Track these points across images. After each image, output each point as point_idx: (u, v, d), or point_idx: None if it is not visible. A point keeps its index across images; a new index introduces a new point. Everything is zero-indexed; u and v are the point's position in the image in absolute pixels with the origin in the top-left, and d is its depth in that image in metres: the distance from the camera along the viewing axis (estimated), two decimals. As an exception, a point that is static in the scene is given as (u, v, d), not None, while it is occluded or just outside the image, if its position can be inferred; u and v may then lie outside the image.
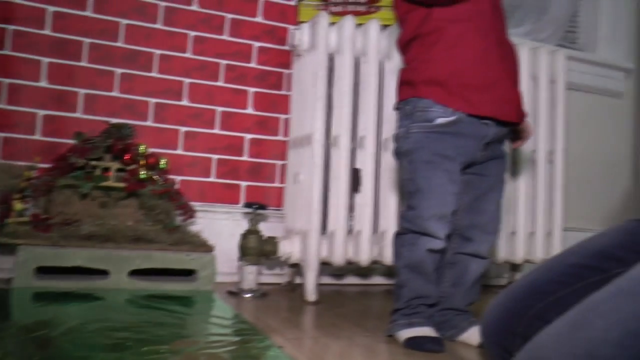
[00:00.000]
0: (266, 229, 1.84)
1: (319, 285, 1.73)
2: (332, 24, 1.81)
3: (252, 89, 2.05)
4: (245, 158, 2.04)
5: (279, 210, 2.03)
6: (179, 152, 1.96)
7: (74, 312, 1.32)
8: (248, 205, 1.81)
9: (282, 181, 2.06)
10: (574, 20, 2.71)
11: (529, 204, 2.02)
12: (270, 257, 1.80)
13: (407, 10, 1.33)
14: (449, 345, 1.26)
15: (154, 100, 1.94)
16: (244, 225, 1.82)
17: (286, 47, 2.07)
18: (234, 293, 1.72)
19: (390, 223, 1.77)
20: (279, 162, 2.07)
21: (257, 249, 1.75)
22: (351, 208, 1.77)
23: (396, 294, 1.29)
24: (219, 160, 2.01)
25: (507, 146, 1.44)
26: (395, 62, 1.79)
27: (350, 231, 1.77)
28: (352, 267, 1.94)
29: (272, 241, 1.78)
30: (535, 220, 2.04)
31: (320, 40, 1.77)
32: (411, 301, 1.26)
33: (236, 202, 2.02)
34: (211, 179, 2.00)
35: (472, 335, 1.27)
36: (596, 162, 2.59)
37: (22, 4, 1.79)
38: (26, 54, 1.79)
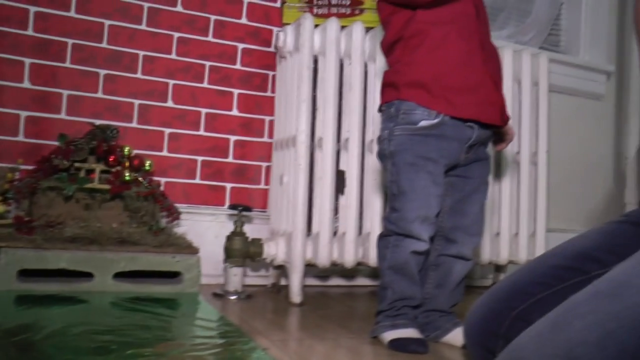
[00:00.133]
0: (251, 230, 1.84)
1: (304, 287, 1.73)
2: (316, 26, 1.82)
3: (236, 91, 2.05)
4: (230, 160, 2.04)
5: (264, 212, 2.03)
6: (164, 153, 1.96)
7: (57, 315, 1.31)
8: (233, 207, 1.81)
9: (267, 183, 2.06)
10: (557, 23, 2.74)
11: (512, 206, 2.04)
12: (255, 259, 1.80)
13: (390, 13, 1.34)
14: (433, 346, 1.27)
15: (138, 101, 1.93)
16: (229, 227, 1.81)
17: (271, 49, 2.08)
18: (219, 295, 1.72)
19: (374, 225, 1.78)
20: (264, 164, 2.07)
21: (242, 250, 1.75)
22: (336, 210, 1.78)
23: (380, 296, 1.30)
24: (204, 161, 2.00)
25: (490, 148, 1.45)
26: (379, 64, 1.80)
27: (335, 233, 1.78)
28: (337, 269, 1.95)
29: (257, 243, 1.78)
30: (519, 222, 2.05)
31: (304, 42, 1.77)
32: (395, 303, 1.26)
33: (221, 203, 2.02)
34: (196, 181, 1.99)
35: (456, 336, 1.28)
36: (578, 163, 2.62)
37: (3, 4, 1.77)
38: (8, 55, 1.78)
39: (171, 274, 1.70)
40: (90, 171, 1.74)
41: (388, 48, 1.36)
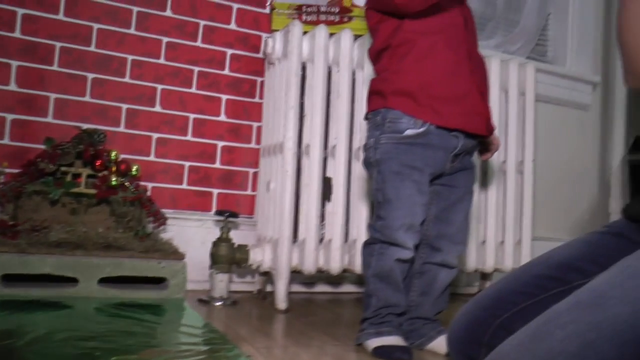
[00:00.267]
0: (238, 236, 1.84)
1: (290, 293, 1.73)
2: (305, 33, 1.83)
3: (225, 96, 2.05)
4: (217, 165, 2.03)
5: (250, 218, 2.03)
6: (151, 158, 1.95)
7: (41, 321, 1.30)
8: (220, 213, 1.81)
9: (254, 189, 2.06)
10: (544, 33, 2.76)
11: (499, 214, 2.05)
12: (241, 265, 1.80)
13: (378, 21, 1.35)
14: (417, 354, 1.28)
15: (126, 106, 1.93)
16: (215, 232, 1.81)
17: (259, 55, 2.08)
18: (205, 301, 1.72)
19: (361, 232, 1.78)
20: (251, 170, 2.07)
21: (228, 257, 1.75)
22: (322, 217, 1.78)
23: (365, 303, 1.30)
24: (191, 167, 2.00)
25: (477, 157, 1.46)
26: (367, 72, 1.81)
27: (321, 239, 1.78)
28: (322, 275, 1.95)
29: (243, 249, 1.78)
30: (505, 230, 2.07)
31: (292, 49, 1.78)
32: (380, 310, 1.27)
33: (208, 209, 2.01)
34: (183, 186, 1.99)
35: (440, 344, 1.28)
36: (564, 172, 2.64)
37: (-9, 7, 1.77)
38: (-5, 57, 1.78)
39: (157, 280, 1.70)
40: (76, 175, 1.73)
41: (375, 56, 1.37)
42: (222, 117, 2.05)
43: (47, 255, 1.57)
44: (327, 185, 1.79)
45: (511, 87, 2.09)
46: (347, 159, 1.80)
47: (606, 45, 2.78)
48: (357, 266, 1.76)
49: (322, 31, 1.80)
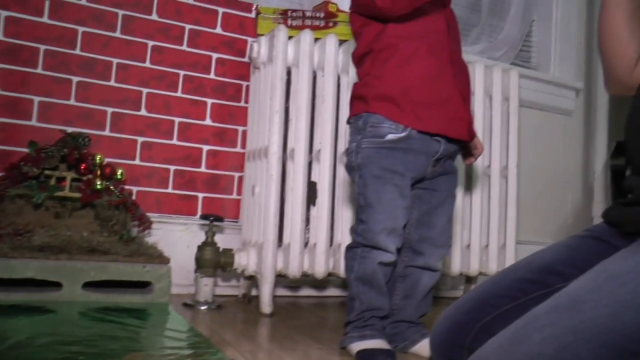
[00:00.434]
0: (223, 240, 1.84)
1: (275, 297, 1.74)
2: (291, 37, 1.83)
3: (210, 100, 2.05)
4: (202, 169, 2.03)
5: (235, 222, 2.03)
6: (136, 162, 1.95)
7: (23, 325, 1.29)
8: (205, 217, 1.81)
9: (239, 193, 2.06)
10: (528, 40, 2.79)
11: (483, 218, 2.07)
12: (226, 269, 1.79)
13: (362, 25, 1.36)
14: (401, 357, 1.28)
15: (111, 109, 1.92)
16: (200, 236, 1.81)
17: (245, 59, 2.08)
18: (190, 305, 1.71)
19: (345, 236, 1.78)
20: (237, 174, 2.07)
21: (213, 261, 1.74)
22: (307, 221, 1.79)
23: (348, 307, 1.30)
24: (176, 171, 2.00)
25: (461, 162, 1.47)
26: (352, 77, 1.82)
27: (306, 244, 1.79)
28: (307, 279, 1.95)
29: (228, 253, 1.78)
30: (489, 234, 2.08)
31: (277, 53, 1.78)
32: (363, 314, 1.27)
33: (193, 213, 2.01)
34: (168, 190, 1.99)
35: (424, 347, 1.29)
36: (548, 177, 2.66)
37: (-26, 9, 1.76)
38: (-23, 60, 1.76)
39: (141, 284, 1.69)
40: (60, 179, 1.72)
41: (358, 60, 1.38)
42: (208, 121, 2.05)
43: (30, 259, 1.56)
44: (312, 190, 1.79)
45: (495, 93, 2.10)
46: (332, 164, 1.80)
47: (589, 52, 2.81)
48: (342, 270, 1.77)
49: (307, 36, 1.81)
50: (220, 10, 2.08)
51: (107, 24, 1.92)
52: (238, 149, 2.08)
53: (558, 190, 2.70)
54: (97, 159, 1.76)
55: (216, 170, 2.05)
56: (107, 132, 1.91)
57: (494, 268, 2.06)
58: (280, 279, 1.82)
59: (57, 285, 1.57)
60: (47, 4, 1.85)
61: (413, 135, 1.27)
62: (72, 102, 1.87)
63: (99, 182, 1.73)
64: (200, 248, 1.76)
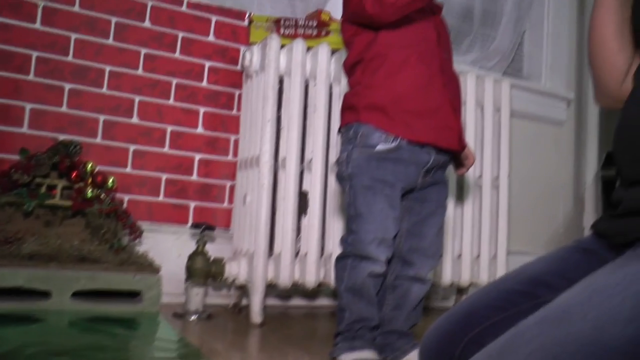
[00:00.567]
0: (214, 249, 1.83)
1: (265, 307, 1.73)
2: (283, 46, 1.84)
3: (202, 108, 2.05)
4: (194, 178, 2.03)
5: (227, 231, 2.02)
6: (128, 170, 1.94)
7: (11, 335, 1.28)
8: (196, 225, 1.81)
9: (231, 202, 2.06)
10: (520, 50, 2.81)
11: (474, 228, 2.07)
12: (217, 279, 1.79)
13: (353, 34, 1.36)
14: (391, 368, 1.28)
15: (103, 117, 1.92)
16: (191, 245, 1.81)
17: (238, 68, 2.08)
18: (180, 315, 1.70)
19: (336, 246, 1.77)
20: (229, 183, 2.07)
21: (203, 270, 1.74)
22: (298, 230, 1.78)
23: (338, 317, 1.30)
24: (168, 179, 1.99)
25: (452, 172, 1.48)
26: (344, 86, 1.82)
27: (297, 253, 1.78)
28: (298, 289, 1.95)
29: (219, 263, 1.77)
30: (481, 244, 2.08)
31: (270, 62, 1.78)
32: (353, 324, 1.27)
33: (185, 222, 2.00)
34: (160, 199, 1.98)
35: (414, 358, 1.28)
36: (539, 187, 2.67)
37: (-35, 15, 1.75)
38: (-32, 66, 1.76)
39: (132, 293, 1.68)
40: (51, 187, 1.71)
41: (349, 69, 1.38)
42: (200, 130, 2.04)
43: (19, 267, 1.55)
44: (303, 199, 1.79)
45: (487, 103, 2.11)
46: (323, 173, 1.80)
47: (580, 63, 2.83)
48: (333, 280, 1.76)
49: (299, 45, 1.81)
50: (214, 18, 2.08)
51: (100, 31, 1.92)
52: (230, 158, 2.07)
53: (549, 200, 2.71)
54: (89, 167, 1.75)
55: (208, 179, 2.04)
56: (99, 140, 1.91)
57: (485, 278, 2.06)
58: (271, 288, 1.81)
59: (46, 294, 1.56)
60: (39, 11, 1.84)
61: (403, 145, 1.27)
62: (64, 109, 1.87)
63: (90, 190, 1.72)
64: (191, 257, 1.75)
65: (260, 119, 1.79)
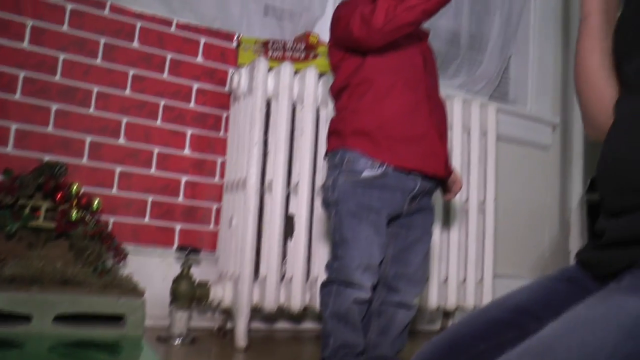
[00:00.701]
0: (199, 272, 1.82)
1: (250, 331, 1.71)
2: (271, 68, 1.84)
3: (190, 130, 2.04)
4: (180, 200, 2.02)
5: (212, 253, 2.01)
6: (114, 192, 1.93)
7: (-10, 360, 1.26)
8: (181, 248, 1.79)
9: (217, 224, 2.05)
10: (506, 74, 2.83)
11: (461, 252, 2.07)
12: (201, 303, 1.77)
13: (341, 59, 1.37)
14: (375, 395, 1.27)
15: (90, 137, 1.91)
16: (177, 268, 1.79)
17: (225, 89, 2.08)
18: (164, 339, 1.68)
19: (322, 270, 1.76)
20: (215, 205, 2.06)
21: (188, 293, 1.72)
22: (284, 254, 1.78)
23: (323, 343, 1.29)
24: (154, 201, 1.98)
25: (439, 197, 1.48)
26: (330, 110, 1.82)
27: (282, 277, 1.77)
28: (284, 312, 1.93)
29: (204, 286, 1.76)
30: (467, 268, 2.08)
31: (258, 84, 1.79)
32: (338, 350, 1.26)
33: (170, 244, 1.98)
34: (145, 221, 1.96)
35: (399, 385, 1.28)
36: (525, 211, 2.68)
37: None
38: (-47, 86, 1.75)
39: (115, 317, 1.66)
40: (35, 208, 1.69)
41: (336, 94, 1.39)
42: (187, 151, 2.04)
43: None
44: (289, 223, 1.78)
45: (473, 127, 2.13)
46: (309, 197, 1.80)
47: (565, 87, 2.86)
48: (318, 304, 1.75)
49: (287, 68, 1.82)
50: (202, 39, 2.08)
51: (89, 51, 1.92)
52: (217, 180, 2.06)
53: (535, 224, 2.72)
54: (74, 188, 1.74)
55: (194, 201, 2.03)
56: (85, 161, 1.89)
57: (471, 302, 2.06)
58: (256, 311, 1.80)
59: (27, 318, 1.53)
60: (28, 30, 1.84)
61: (389, 172, 1.27)
62: (50, 129, 1.85)
63: (75, 212, 1.71)
64: (176, 280, 1.74)
65: (247, 142, 1.79)
